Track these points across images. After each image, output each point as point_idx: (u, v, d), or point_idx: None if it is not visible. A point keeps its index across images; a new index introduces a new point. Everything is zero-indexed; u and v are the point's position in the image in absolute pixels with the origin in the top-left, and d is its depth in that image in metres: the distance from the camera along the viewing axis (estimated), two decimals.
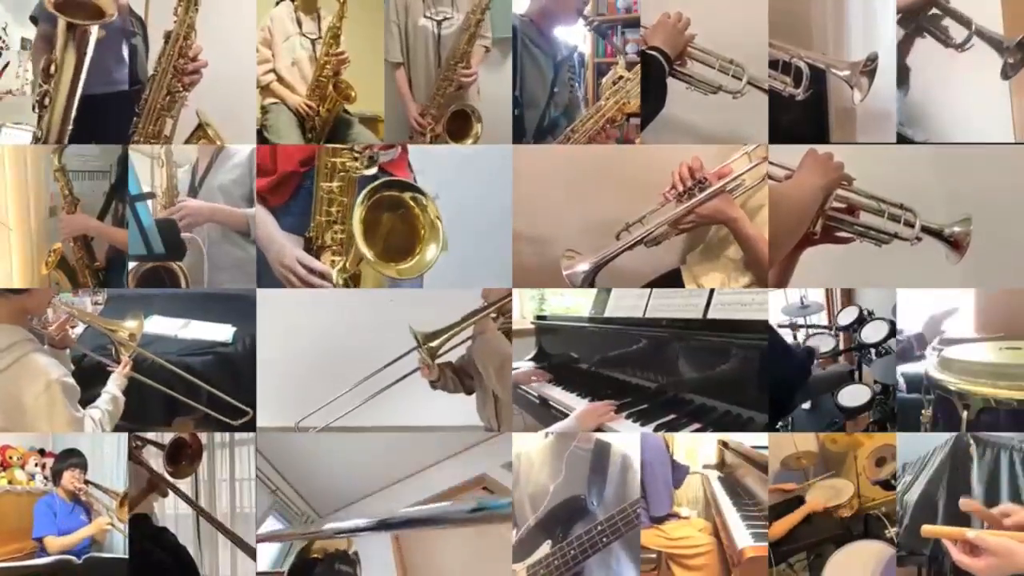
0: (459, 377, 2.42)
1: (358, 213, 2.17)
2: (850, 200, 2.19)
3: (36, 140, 2.33)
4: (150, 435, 2.51)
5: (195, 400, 2.42)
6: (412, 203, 2.26)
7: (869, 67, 2.36)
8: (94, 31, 2.24)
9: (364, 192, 2.20)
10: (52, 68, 2.23)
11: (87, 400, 2.19)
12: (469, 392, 2.43)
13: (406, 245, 2.27)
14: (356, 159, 2.34)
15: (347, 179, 2.36)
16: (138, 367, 2.35)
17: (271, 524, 2.66)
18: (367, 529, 2.32)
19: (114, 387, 2.26)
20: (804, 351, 2.72)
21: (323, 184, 2.37)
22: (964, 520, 2.15)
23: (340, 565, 2.44)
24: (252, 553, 2.37)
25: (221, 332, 2.64)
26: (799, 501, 2.41)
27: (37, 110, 2.29)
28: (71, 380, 2.13)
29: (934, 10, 2.44)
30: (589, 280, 2.23)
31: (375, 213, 2.22)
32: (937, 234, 2.18)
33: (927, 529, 1.60)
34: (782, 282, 2.28)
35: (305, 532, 2.36)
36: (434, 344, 2.26)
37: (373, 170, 2.36)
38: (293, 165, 2.42)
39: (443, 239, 2.23)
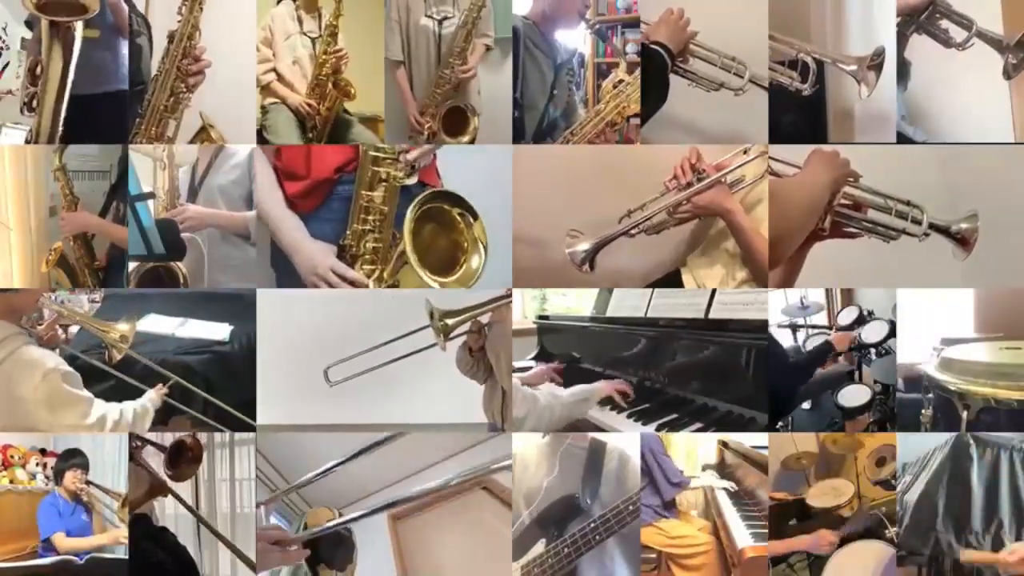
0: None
1: (408, 225, 2.18)
2: (857, 197, 2.19)
3: (27, 142, 2.32)
4: (150, 435, 2.51)
5: (190, 404, 2.42)
6: (459, 218, 2.27)
7: (876, 61, 2.36)
8: (79, 28, 2.20)
9: (415, 202, 2.20)
10: (38, 69, 2.20)
11: None
12: (482, 382, 2.39)
13: (447, 261, 2.29)
14: (399, 167, 2.31)
15: (389, 188, 2.33)
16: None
17: (271, 524, 2.65)
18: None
19: (149, 401, 2.26)
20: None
21: (364, 192, 2.34)
22: (964, 520, 2.15)
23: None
24: (252, 565, 2.36)
25: (218, 331, 2.64)
26: (800, 504, 2.40)
27: (25, 112, 2.27)
28: (70, 368, 2.10)
29: (934, 12, 2.43)
30: (589, 259, 2.24)
31: (420, 224, 2.23)
32: (944, 231, 2.18)
33: None
34: (790, 278, 2.27)
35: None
36: (450, 322, 2.16)
37: (413, 179, 2.36)
38: (328, 172, 2.40)
39: (485, 254, 2.25)
